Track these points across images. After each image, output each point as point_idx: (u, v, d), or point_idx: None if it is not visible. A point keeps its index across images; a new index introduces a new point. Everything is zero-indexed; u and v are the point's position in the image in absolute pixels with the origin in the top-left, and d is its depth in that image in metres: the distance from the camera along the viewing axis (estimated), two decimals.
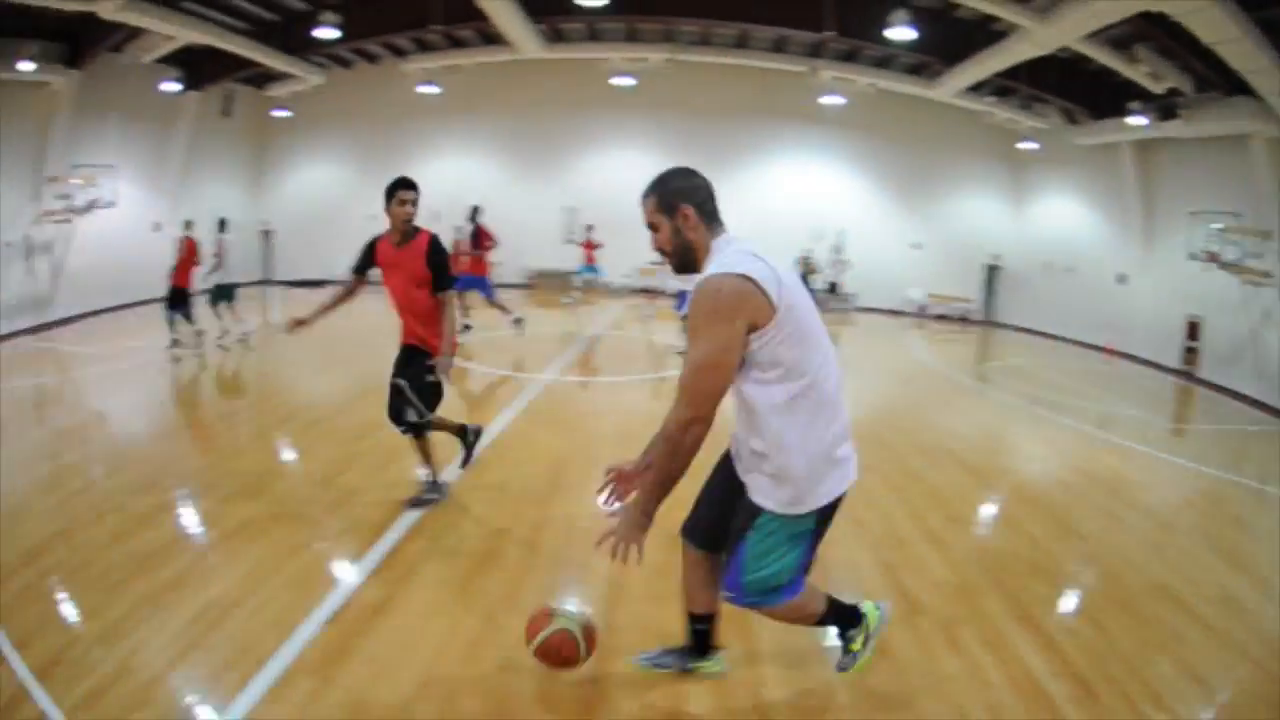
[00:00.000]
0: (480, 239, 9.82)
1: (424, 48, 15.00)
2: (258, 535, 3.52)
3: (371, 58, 16.58)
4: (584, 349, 9.86)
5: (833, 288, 15.37)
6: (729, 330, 1.74)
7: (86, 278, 12.49)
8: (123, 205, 13.72)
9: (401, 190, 3.57)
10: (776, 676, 2.56)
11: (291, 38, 13.74)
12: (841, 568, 3.38)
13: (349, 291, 3.90)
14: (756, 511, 1.95)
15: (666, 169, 2.01)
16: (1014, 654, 2.75)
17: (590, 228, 14.07)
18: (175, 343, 8.48)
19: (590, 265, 14.05)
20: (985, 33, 10.08)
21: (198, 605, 2.79)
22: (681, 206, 1.92)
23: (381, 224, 3.68)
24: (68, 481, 4.36)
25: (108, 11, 9.83)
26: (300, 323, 3.85)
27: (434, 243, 3.65)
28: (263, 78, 17.30)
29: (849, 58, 13.11)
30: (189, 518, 3.87)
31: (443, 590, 3.06)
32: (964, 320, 15.77)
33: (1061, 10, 8.02)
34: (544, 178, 17.02)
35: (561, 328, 11.50)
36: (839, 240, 15.47)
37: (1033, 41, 8.96)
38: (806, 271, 14.10)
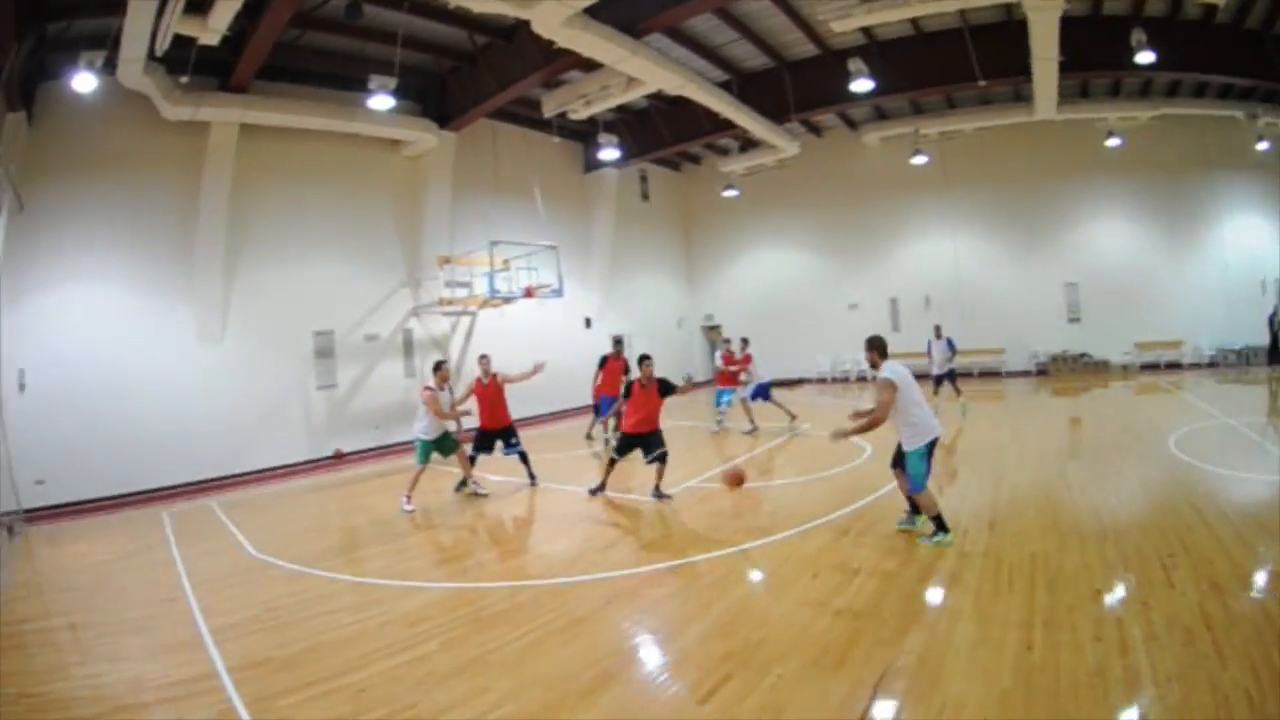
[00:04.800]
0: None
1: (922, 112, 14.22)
2: None
3: (816, 130, 15.42)
4: None
5: None
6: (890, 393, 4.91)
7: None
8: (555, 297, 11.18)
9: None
10: None
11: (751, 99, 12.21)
12: None
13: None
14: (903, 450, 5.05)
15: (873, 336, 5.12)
16: None
17: (728, 341, 11.14)
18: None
19: (728, 389, 10.72)
20: None
21: None
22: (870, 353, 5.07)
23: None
24: None
25: (545, 25, 7.66)
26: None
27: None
28: (680, 156, 15.60)
29: None
30: None
31: None
32: None
33: None
34: (1040, 252, 15.39)
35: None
36: None
37: None
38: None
